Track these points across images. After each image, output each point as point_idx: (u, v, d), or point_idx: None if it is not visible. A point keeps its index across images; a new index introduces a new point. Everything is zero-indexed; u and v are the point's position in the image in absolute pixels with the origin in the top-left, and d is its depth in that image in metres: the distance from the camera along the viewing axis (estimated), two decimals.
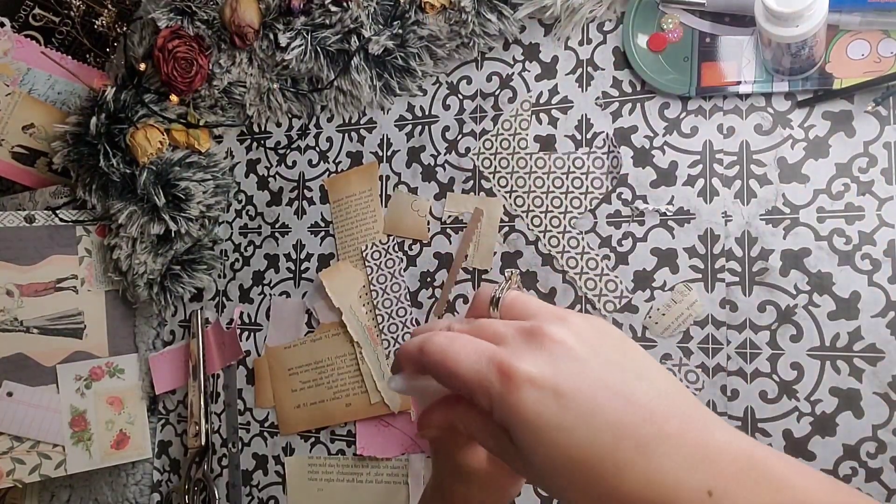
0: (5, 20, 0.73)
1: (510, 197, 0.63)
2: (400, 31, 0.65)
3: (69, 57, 0.78)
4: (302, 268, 0.72)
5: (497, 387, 0.29)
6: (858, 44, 0.51)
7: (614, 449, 0.27)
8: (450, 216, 0.65)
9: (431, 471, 0.49)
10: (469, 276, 0.64)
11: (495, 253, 0.63)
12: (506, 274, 0.33)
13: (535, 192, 0.62)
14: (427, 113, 0.67)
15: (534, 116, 0.63)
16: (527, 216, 0.62)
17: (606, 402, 0.28)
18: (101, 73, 0.80)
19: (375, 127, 0.70)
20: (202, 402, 0.73)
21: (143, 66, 0.73)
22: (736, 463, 0.27)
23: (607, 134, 0.60)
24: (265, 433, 0.72)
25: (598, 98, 0.61)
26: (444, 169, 0.66)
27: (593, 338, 0.30)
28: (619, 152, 0.59)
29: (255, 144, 0.76)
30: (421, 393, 0.38)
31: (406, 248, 0.67)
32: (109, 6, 0.77)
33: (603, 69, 0.60)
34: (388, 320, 0.67)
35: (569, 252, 0.60)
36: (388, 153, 0.69)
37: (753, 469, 0.26)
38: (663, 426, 0.27)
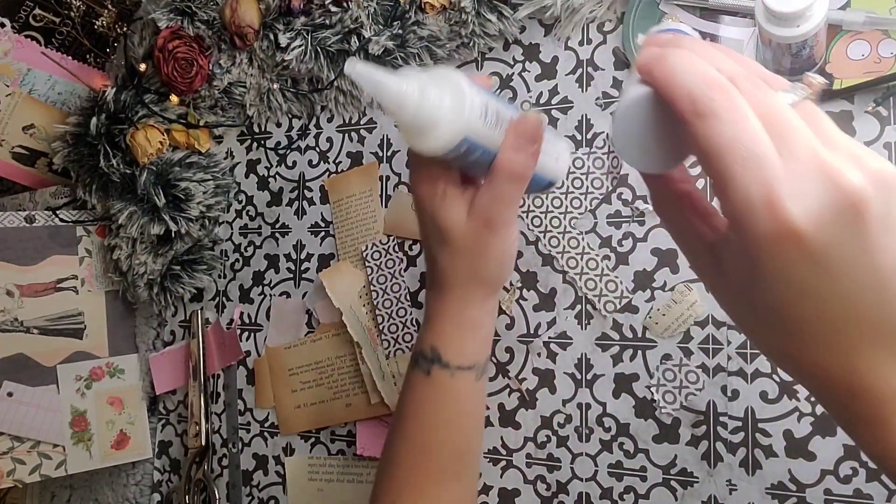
0: (5, 21, 0.73)
1: None
2: (400, 31, 0.65)
3: (69, 57, 0.78)
4: (302, 268, 0.72)
5: (771, 231, 0.25)
6: (859, 44, 0.51)
7: (865, 339, 0.25)
8: None
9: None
10: None
11: None
12: (805, 78, 0.28)
13: None
14: None
15: None
16: (527, 216, 0.62)
17: (884, 298, 0.25)
18: (101, 74, 0.80)
19: (376, 127, 0.70)
20: (202, 403, 0.73)
21: (143, 67, 0.73)
22: None
23: (608, 134, 0.60)
24: (265, 433, 0.72)
25: (598, 98, 0.61)
26: None
27: (889, 203, 0.25)
28: None
29: (255, 145, 0.76)
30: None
31: (406, 249, 0.67)
32: (109, 7, 0.77)
33: (603, 69, 0.60)
34: (388, 320, 0.67)
35: (569, 252, 0.60)
36: (389, 153, 0.69)
37: None
38: None
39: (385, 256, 0.67)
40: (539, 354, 0.61)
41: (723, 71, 0.27)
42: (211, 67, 0.73)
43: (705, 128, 0.26)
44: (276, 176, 0.74)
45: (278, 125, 0.74)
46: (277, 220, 0.74)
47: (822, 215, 0.24)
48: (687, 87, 0.26)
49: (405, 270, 0.67)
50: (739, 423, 0.53)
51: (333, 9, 0.66)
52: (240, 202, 0.76)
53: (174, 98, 0.73)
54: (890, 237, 0.25)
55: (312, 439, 0.70)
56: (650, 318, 0.57)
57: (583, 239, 0.60)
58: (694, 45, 0.29)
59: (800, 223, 0.24)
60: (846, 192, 0.24)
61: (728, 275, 0.29)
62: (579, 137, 0.61)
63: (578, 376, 0.59)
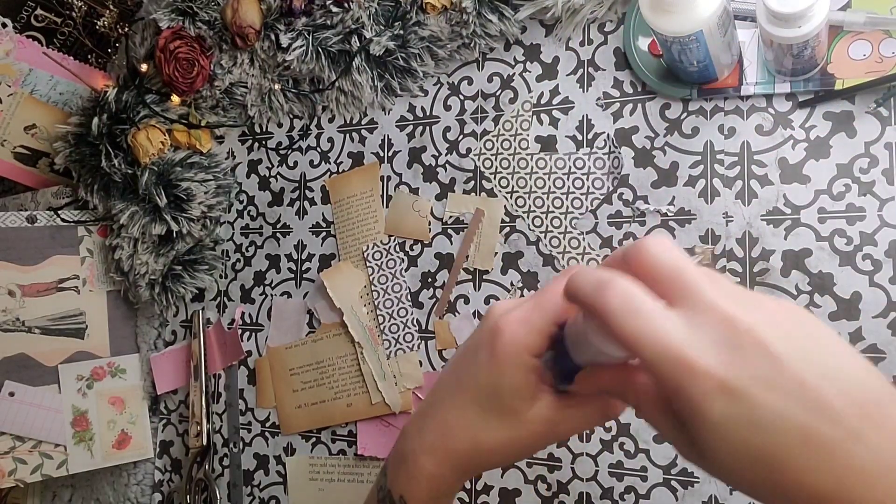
0: (7, 21, 0.73)
1: (511, 197, 0.63)
2: (401, 31, 0.65)
3: (71, 58, 0.78)
4: (303, 268, 0.72)
5: (688, 384, 0.28)
6: (860, 44, 0.51)
7: (801, 452, 0.27)
8: (451, 216, 0.65)
9: (428, 398, 0.44)
10: (470, 277, 0.64)
11: (496, 253, 0.63)
12: (697, 248, 0.30)
13: (536, 192, 0.62)
14: (428, 113, 0.67)
15: (535, 117, 0.63)
16: (528, 216, 0.62)
17: (793, 405, 0.27)
18: (102, 74, 0.80)
19: (377, 127, 0.70)
20: (203, 402, 0.73)
21: (144, 67, 0.74)
22: None
23: (608, 134, 0.60)
24: (266, 433, 0.72)
25: (598, 98, 0.61)
26: (446, 169, 0.66)
27: (787, 331, 0.28)
28: (619, 153, 0.59)
29: (256, 145, 0.76)
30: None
31: (407, 249, 0.67)
32: (111, 7, 0.77)
33: (604, 70, 0.60)
34: (389, 320, 0.67)
35: (570, 252, 0.60)
36: (390, 154, 0.69)
37: None
38: (850, 430, 0.27)
39: (386, 256, 0.68)
40: None
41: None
42: (212, 68, 0.73)
43: (602, 319, 0.30)
44: (278, 176, 0.74)
45: (279, 125, 0.75)
46: (279, 221, 0.74)
47: (723, 352, 0.28)
48: (582, 293, 0.31)
49: (406, 270, 0.67)
50: None
51: (334, 9, 0.66)
52: (241, 202, 0.76)
53: (175, 98, 0.73)
54: (793, 352, 0.28)
55: (313, 439, 0.70)
56: None
57: (584, 239, 0.60)
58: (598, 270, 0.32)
59: (708, 365, 0.28)
60: (741, 329, 0.28)
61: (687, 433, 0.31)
62: (580, 137, 0.61)
63: None
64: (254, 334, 0.74)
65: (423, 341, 0.66)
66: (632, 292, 0.30)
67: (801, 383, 0.27)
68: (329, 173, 0.72)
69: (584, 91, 0.61)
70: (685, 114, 0.57)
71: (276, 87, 0.72)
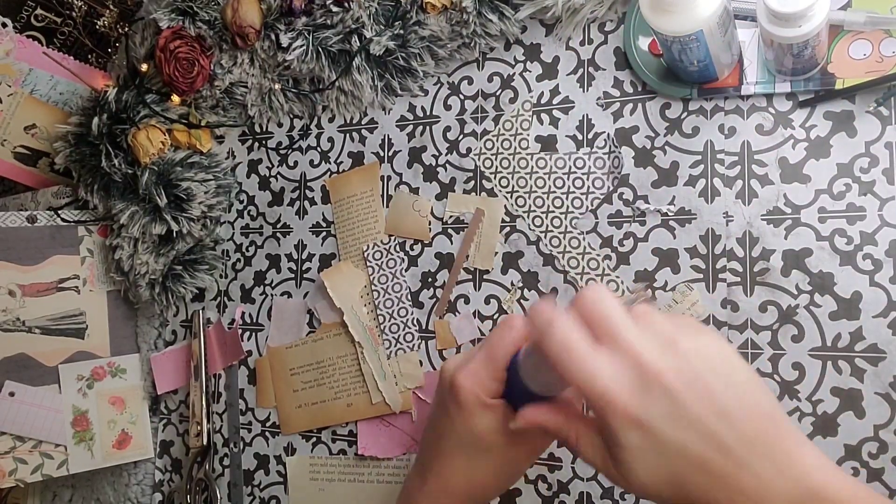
0: (7, 21, 0.73)
1: (511, 197, 0.63)
2: (401, 31, 0.65)
3: (71, 57, 0.78)
4: (303, 268, 0.72)
5: (610, 416, 0.34)
6: (860, 44, 0.51)
7: (699, 478, 0.33)
8: (451, 216, 0.65)
9: (421, 452, 0.51)
10: (470, 277, 0.64)
11: (496, 253, 0.63)
12: (634, 287, 0.39)
13: (536, 192, 0.62)
14: (428, 113, 0.67)
15: (535, 117, 0.63)
16: (528, 216, 0.62)
17: (692, 438, 0.33)
18: (102, 74, 0.80)
19: (377, 127, 0.70)
20: (204, 402, 0.73)
21: (144, 67, 0.74)
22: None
23: (608, 134, 0.60)
24: (266, 433, 0.72)
25: (599, 98, 0.61)
26: (446, 169, 0.66)
27: (694, 373, 0.34)
28: (620, 152, 0.59)
29: (256, 145, 0.76)
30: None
31: (407, 249, 0.67)
32: (111, 7, 0.77)
33: (604, 69, 0.60)
34: (389, 320, 0.67)
35: (570, 252, 0.60)
36: (390, 153, 0.69)
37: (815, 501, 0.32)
38: (738, 461, 0.33)
39: (386, 256, 0.68)
40: None
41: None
42: (212, 67, 0.73)
43: (546, 351, 0.37)
44: (278, 176, 0.74)
45: (280, 125, 0.75)
46: (279, 220, 0.74)
47: (636, 392, 0.34)
48: (536, 325, 0.38)
49: (406, 270, 0.67)
50: None
51: (335, 9, 0.66)
52: (241, 202, 0.76)
53: (176, 98, 0.73)
54: (694, 393, 0.33)
55: (314, 439, 0.70)
56: None
57: (584, 239, 0.60)
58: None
59: (625, 402, 0.34)
60: (651, 373, 0.34)
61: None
62: (580, 137, 0.61)
63: None
64: (254, 334, 0.74)
65: (423, 341, 0.66)
66: (569, 332, 0.36)
67: (698, 420, 0.33)
68: (329, 173, 0.72)
69: (584, 91, 0.61)
70: (685, 113, 0.57)
71: (276, 86, 0.72)
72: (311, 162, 0.73)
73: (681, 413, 0.33)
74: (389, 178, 0.69)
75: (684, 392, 0.33)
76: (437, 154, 0.67)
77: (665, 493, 0.34)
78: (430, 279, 0.66)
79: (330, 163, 0.72)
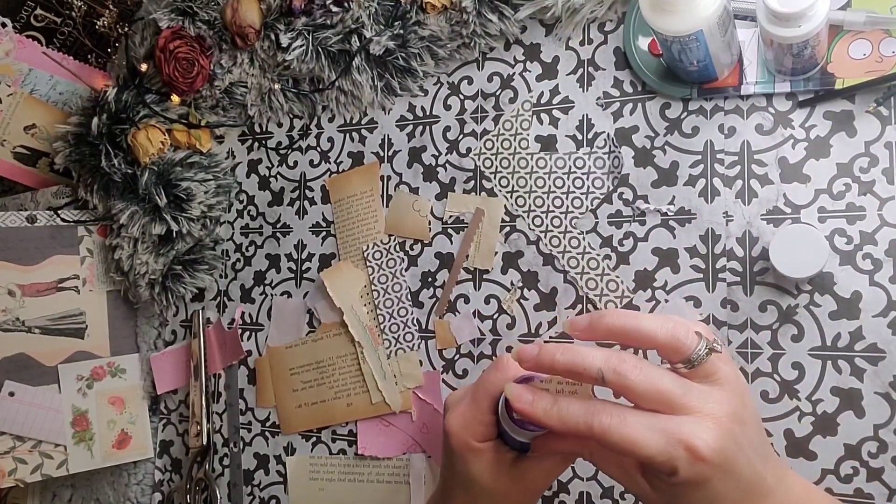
0: (7, 21, 0.73)
1: (511, 197, 0.63)
2: (401, 31, 0.65)
3: (71, 57, 0.78)
4: (303, 268, 0.72)
5: (685, 463, 0.36)
6: (860, 43, 0.51)
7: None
8: (451, 216, 0.65)
9: (439, 479, 0.52)
10: (470, 276, 0.64)
11: (496, 253, 0.63)
12: (701, 331, 0.40)
13: (536, 192, 0.62)
14: (428, 113, 0.67)
15: (535, 116, 0.63)
16: (528, 216, 0.62)
17: (749, 476, 0.38)
18: (102, 74, 0.80)
19: (376, 127, 0.70)
20: (203, 402, 0.73)
21: (144, 67, 0.73)
22: None
23: (608, 134, 0.60)
24: (266, 433, 0.72)
25: (598, 98, 0.61)
26: (446, 169, 0.66)
27: (740, 415, 0.38)
28: (620, 152, 0.59)
29: (256, 145, 0.76)
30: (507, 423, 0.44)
31: (407, 248, 0.67)
32: (111, 7, 0.77)
33: (604, 69, 0.61)
34: (389, 320, 0.67)
35: (570, 252, 0.60)
36: (390, 153, 0.69)
37: None
38: (776, 495, 0.39)
39: (386, 256, 0.68)
40: None
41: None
42: (212, 67, 0.73)
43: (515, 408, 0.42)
44: (278, 176, 0.74)
45: (279, 125, 0.75)
46: (278, 220, 0.74)
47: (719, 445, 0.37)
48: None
49: (406, 270, 0.67)
50: None
51: (334, 9, 0.66)
52: (241, 202, 0.76)
53: (175, 98, 0.73)
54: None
55: (313, 439, 0.70)
56: None
57: (584, 238, 0.60)
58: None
59: (706, 454, 0.36)
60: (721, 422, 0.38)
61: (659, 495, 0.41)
62: (580, 137, 0.61)
63: None
64: (254, 334, 0.74)
65: (423, 341, 0.66)
66: (518, 394, 0.41)
67: (748, 464, 0.38)
68: (329, 173, 0.72)
69: (584, 90, 0.61)
70: (685, 113, 0.57)
71: (276, 86, 0.72)
72: (311, 162, 0.73)
73: (743, 454, 0.38)
74: (389, 177, 0.69)
75: (741, 436, 0.38)
76: (437, 154, 0.67)
77: None
78: (429, 279, 0.66)
79: (330, 163, 0.72)
